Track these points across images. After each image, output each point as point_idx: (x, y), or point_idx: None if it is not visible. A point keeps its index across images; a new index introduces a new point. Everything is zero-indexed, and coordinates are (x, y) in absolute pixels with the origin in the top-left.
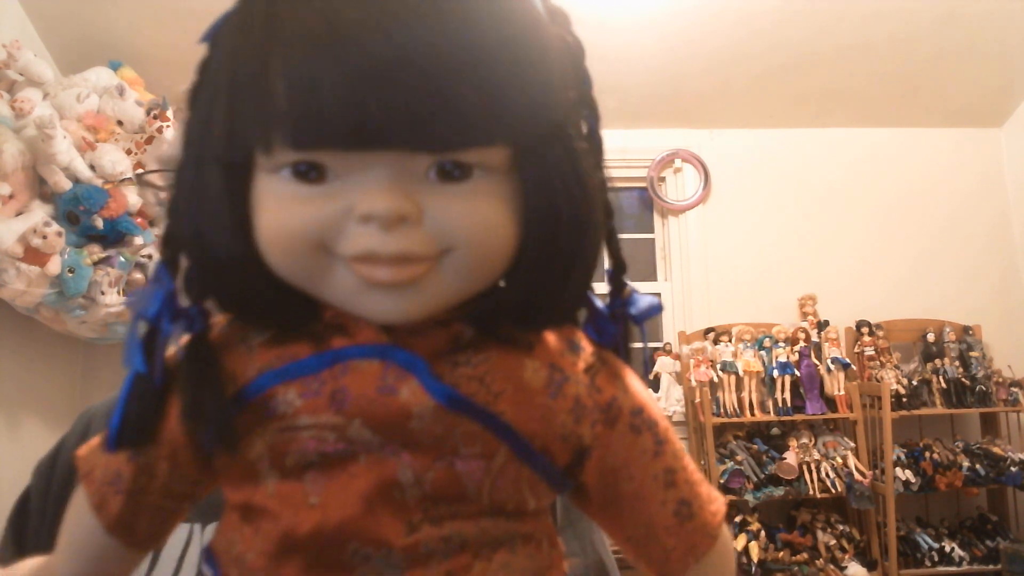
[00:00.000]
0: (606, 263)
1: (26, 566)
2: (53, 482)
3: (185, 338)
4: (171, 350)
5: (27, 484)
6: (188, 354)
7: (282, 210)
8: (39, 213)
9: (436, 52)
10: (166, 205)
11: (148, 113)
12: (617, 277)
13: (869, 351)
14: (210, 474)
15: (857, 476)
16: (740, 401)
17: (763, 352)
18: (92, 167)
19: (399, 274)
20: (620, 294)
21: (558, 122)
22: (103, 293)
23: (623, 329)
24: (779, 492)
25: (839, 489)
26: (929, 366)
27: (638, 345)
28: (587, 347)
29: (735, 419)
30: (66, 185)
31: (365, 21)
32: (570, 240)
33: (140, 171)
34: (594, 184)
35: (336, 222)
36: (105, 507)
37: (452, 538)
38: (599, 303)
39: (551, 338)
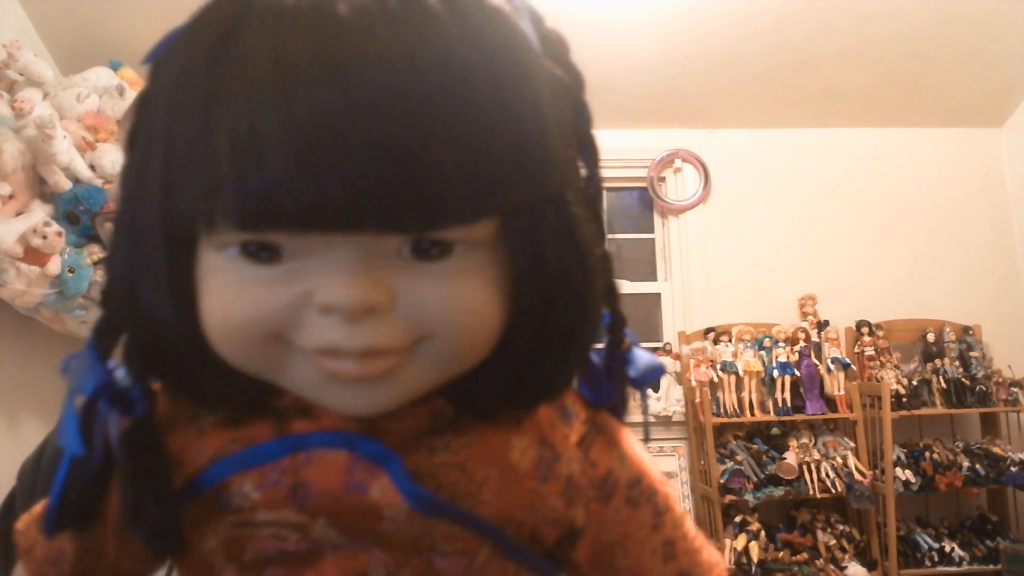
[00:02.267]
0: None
1: None
2: (38, 483)
3: (124, 422)
4: (114, 424)
5: (12, 487)
6: (126, 447)
7: (230, 294)
8: (39, 213)
9: (406, 108)
10: (105, 259)
11: None
12: (615, 331)
13: (869, 351)
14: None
15: (857, 476)
16: (740, 401)
17: (763, 352)
18: (92, 167)
19: (367, 369)
20: (618, 348)
21: (554, 186)
22: None
23: (620, 387)
24: (779, 492)
25: (839, 489)
26: (929, 366)
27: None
28: (579, 412)
29: (735, 419)
30: (66, 185)
31: (319, 69)
32: (566, 314)
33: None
34: (592, 249)
35: (293, 310)
36: None
37: None
38: (594, 358)
39: (541, 408)
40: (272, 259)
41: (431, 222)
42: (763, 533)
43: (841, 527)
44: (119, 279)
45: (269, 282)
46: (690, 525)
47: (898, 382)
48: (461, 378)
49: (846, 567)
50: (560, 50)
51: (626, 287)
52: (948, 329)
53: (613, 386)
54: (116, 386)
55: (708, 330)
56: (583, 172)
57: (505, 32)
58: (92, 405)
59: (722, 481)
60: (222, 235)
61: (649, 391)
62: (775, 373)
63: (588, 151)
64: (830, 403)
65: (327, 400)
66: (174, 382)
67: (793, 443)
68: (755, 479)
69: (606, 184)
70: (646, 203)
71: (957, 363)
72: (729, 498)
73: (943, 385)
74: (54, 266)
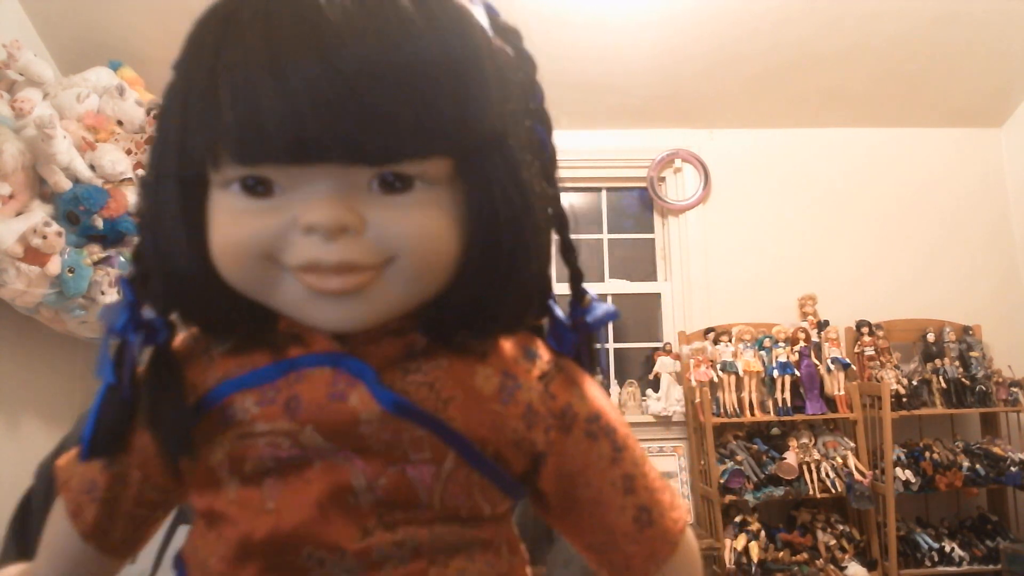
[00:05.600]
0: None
1: (9, 572)
2: (54, 483)
3: (151, 349)
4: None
5: (30, 485)
6: (151, 363)
7: (231, 223)
8: (39, 213)
9: (369, 70)
10: (135, 220)
11: (148, 113)
12: (575, 286)
13: (869, 351)
14: (181, 483)
15: (857, 476)
16: (740, 401)
17: (763, 352)
18: (92, 167)
19: (344, 283)
20: (580, 303)
21: (496, 133)
22: (103, 293)
23: (583, 337)
24: (779, 492)
25: (839, 489)
26: (929, 366)
27: (629, 346)
28: (544, 355)
29: (735, 419)
30: (66, 185)
31: (302, 43)
32: (510, 246)
33: (139, 171)
34: (537, 192)
35: (282, 234)
36: (81, 514)
37: (405, 543)
38: (559, 312)
39: (507, 346)
40: (265, 193)
41: (388, 156)
42: (763, 533)
43: (841, 527)
44: (145, 227)
45: (263, 211)
46: (651, 468)
47: (898, 382)
48: (427, 307)
49: (846, 567)
50: (512, 36)
51: (626, 287)
52: (948, 329)
53: (575, 336)
54: (142, 317)
55: (708, 330)
56: (537, 138)
57: (455, 15)
58: (123, 340)
59: (722, 481)
60: (225, 171)
61: (649, 391)
62: (775, 373)
63: (541, 122)
64: (830, 403)
65: (310, 316)
66: (189, 313)
67: (793, 443)
68: (755, 479)
69: (606, 184)
70: (646, 203)
71: (957, 363)
72: (729, 498)
73: (943, 385)
74: (54, 266)
